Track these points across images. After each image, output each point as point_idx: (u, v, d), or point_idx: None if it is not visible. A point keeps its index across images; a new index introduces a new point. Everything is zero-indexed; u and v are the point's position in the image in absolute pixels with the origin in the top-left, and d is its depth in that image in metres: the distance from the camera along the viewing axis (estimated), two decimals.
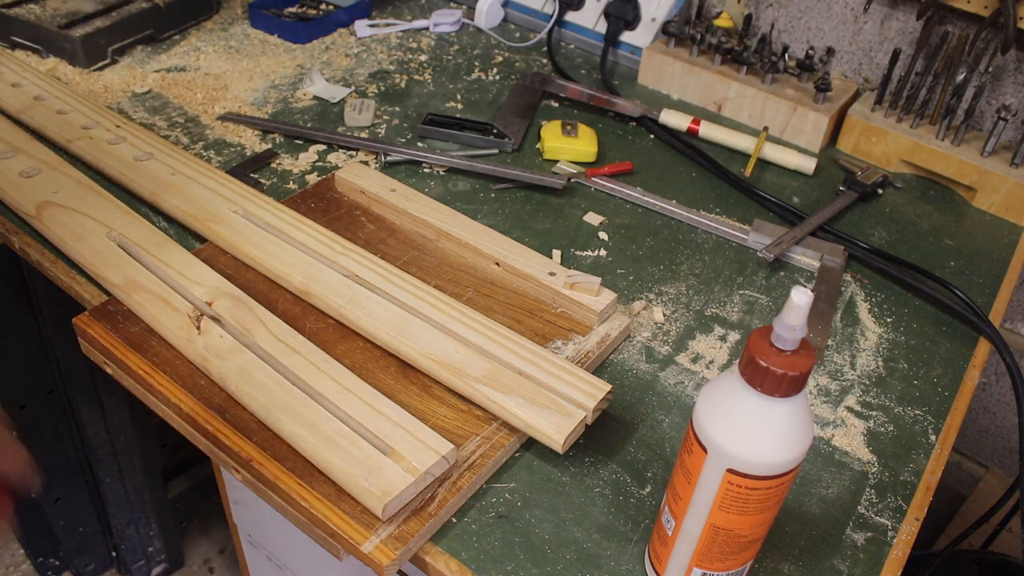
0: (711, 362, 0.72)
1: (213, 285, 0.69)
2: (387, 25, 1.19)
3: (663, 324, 0.75)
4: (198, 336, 0.64)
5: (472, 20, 1.21)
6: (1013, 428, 1.20)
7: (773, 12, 1.13)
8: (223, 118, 0.95)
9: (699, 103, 1.08)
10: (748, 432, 0.45)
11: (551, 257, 0.80)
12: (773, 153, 0.98)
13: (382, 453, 0.56)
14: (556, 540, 0.57)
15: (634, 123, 1.04)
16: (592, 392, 0.62)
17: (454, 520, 0.58)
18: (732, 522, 0.49)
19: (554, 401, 0.61)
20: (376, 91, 1.04)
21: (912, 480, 0.64)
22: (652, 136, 1.02)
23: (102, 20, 1.04)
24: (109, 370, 0.66)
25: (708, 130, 1.00)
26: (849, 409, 0.70)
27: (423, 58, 1.13)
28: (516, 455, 0.63)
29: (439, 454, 0.56)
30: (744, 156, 1.00)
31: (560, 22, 1.19)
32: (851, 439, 0.67)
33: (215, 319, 0.66)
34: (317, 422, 0.58)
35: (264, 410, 0.60)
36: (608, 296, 0.72)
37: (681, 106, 1.07)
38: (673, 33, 1.07)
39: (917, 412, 0.70)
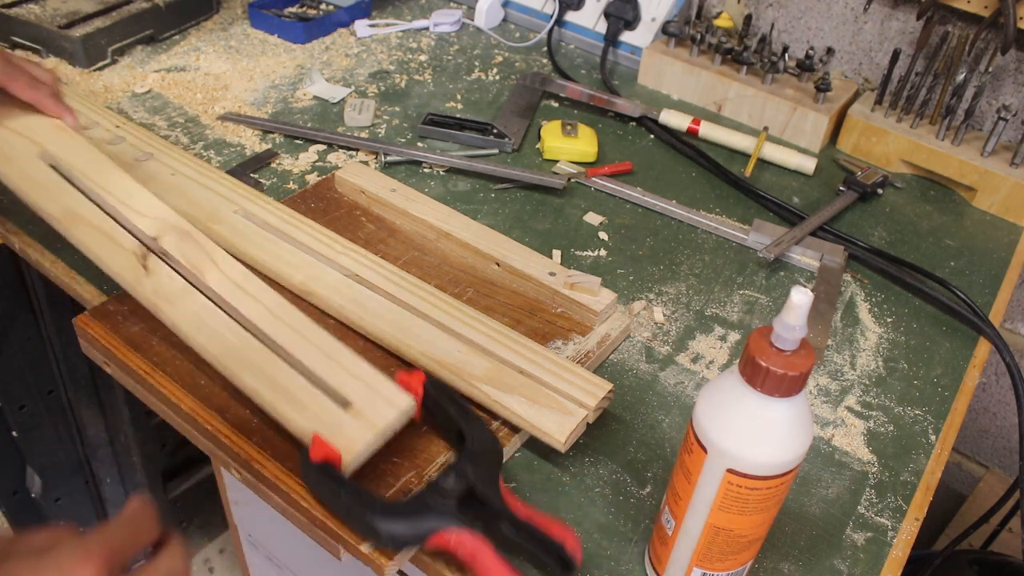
0: (711, 362, 0.72)
1: (159, 216, 0.62)
2: (387, 25, 1.19)
3: (663, 324, 0.75)
4: (146, 277, 0.58)
5: (472, 20, 1.21)
6: (1013, 428, 1.20)
7: (773, 12, 1.13)
8: (223, 118, 0.95)
9: (699, 103, 1.08)
10: (748, 432, 0.45)
11: (551, 257, 0.80)
12: (773, 153, 0.98)
13: (341, 408, 0.55)
14: None
15: (634, 123, 1.04)
16: (593, 391, 0.62)
17: None
18: (732, 522, 0.49)
19: (555, 400, 0.61)
20: (376, 91, 1.04)
21: (912, 480, 0.64)
22: (652, 136, 1.02)
23: (102, 20, 1.04)
24: (109, 370, 0.66)
25: (708, 130, 1.00)
26: (849, 409, 0.70)
27: (423, 58, 1.13)
28: (516, 454, 0.63)
29: (397, 409, 0.55)
30: (744, 156, 1.00)
31: (560, 22, 1.19)
32: (851, 439, 0.67)
33: (162, 257, 0.60)
34: (276, 375, 0.55)
35: (219, 361, 0.56)
36: (608, 296, 0.72)
37: (681, 106, 1.07)
38: (673, 33, 1.07)
39: (917, 412, 0.70)
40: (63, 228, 0.64)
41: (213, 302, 0.59)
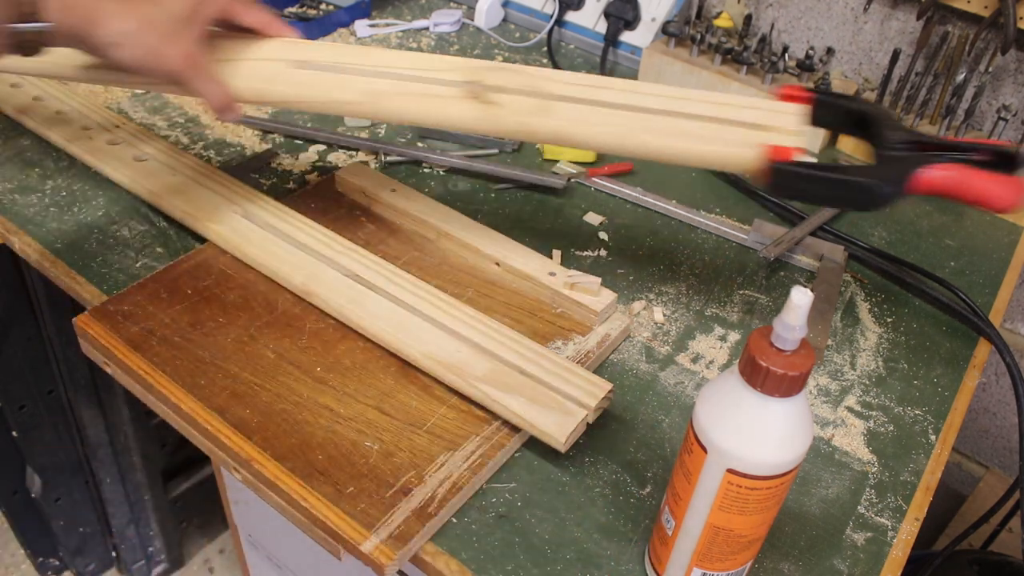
0: (711, 362, 0.72)
1: (456, 67, 0.65)
2: (387, 25, 1.19)
3: (663, 324, 0.75)
4: (497, 108, 0.61)
5: (472, 20, 1.21)
6: (1013, 428, 1.20)
7: (773, 12, 1.13)
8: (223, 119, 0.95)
9: None
10: (748, 432, 0.45)
11: (551, 257, 0.80)
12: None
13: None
14: (556, 540, 0.57)
15: None
16: (593, 391, 0.62)
17: (454, 520, 0.58)
18: (732, 522, 0.49)
19: (555, 400, 0.61)
20: None
21: (912, 480, 0.64)
22: None
23: None
24: (109, 370, 0.66)
25: None
26: (849, 409, 0.70)
27: None
28: (516, 455, 0.63)
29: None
30: None
31: (560, 22, 1.19)
32: (851, 439, 0.67)
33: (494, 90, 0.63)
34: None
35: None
36: (608, 296, 0.72)
37: None
38: (673, 33, 1.07)
39: (917, 412, 0.70)
40: (368, 109, 0.65)
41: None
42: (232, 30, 0.69)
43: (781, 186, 0.59)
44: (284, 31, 0.68)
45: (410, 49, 1.15)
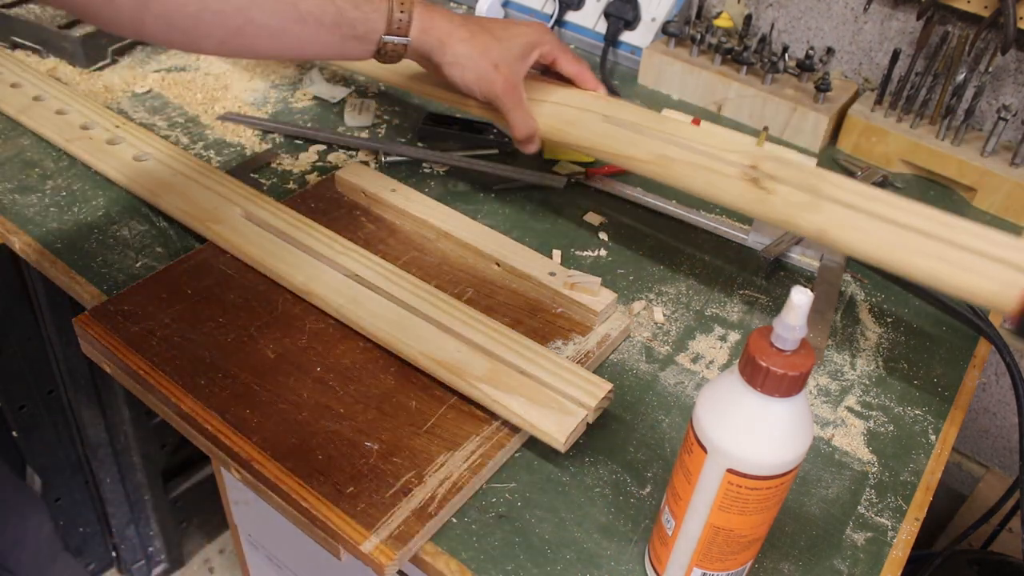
0: (711, 362, 0.72)
1: (745, 150, 0.70)
2: None
3: (663, 324, 0.75)
4: (769, 196, 0.65)
5: None
6: (1013, 428, 1.20)
7: (773, 12, 1.13)
8: (223, 118, 0.95)
9: (699, 103, 1.08)
10: (748, 432, 0.45)
11: (551, 257, 0.80)
12: (773, 153, 0.98)
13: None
14: (556, 540, 0.57)
15: None
16: (593, 391, 0.62)
17: (454, 520, 0.58)
18: (732, 522, 0.49)
19: (555, 400, 0.61)
20: (376, 91, 1.04)
21: (912, 480, 0.64)
22: None
23: None
24: (109, 370, 0.66)
25: None
26: (849, 409, 0.70)
27: None
28: (516, 455, 0.63)
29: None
30: None
31: (560, 22, 1.19)
32: (851, 439, 0.67)
33: (772, 178, 0.67)
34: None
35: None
36: (608, 296, 0.72)
37: (681, 106, 1.07)
38: (673, 33, 1.07)
39: (917, 412, 0.70)
40: (656, 170, 0.71)
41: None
42: (550, 75, 0.80)
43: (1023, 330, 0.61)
44: (594, 85, 0.78)
45: None
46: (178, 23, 0.60)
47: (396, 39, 0.68)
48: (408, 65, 0.76)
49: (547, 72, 0.80)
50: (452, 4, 1.27)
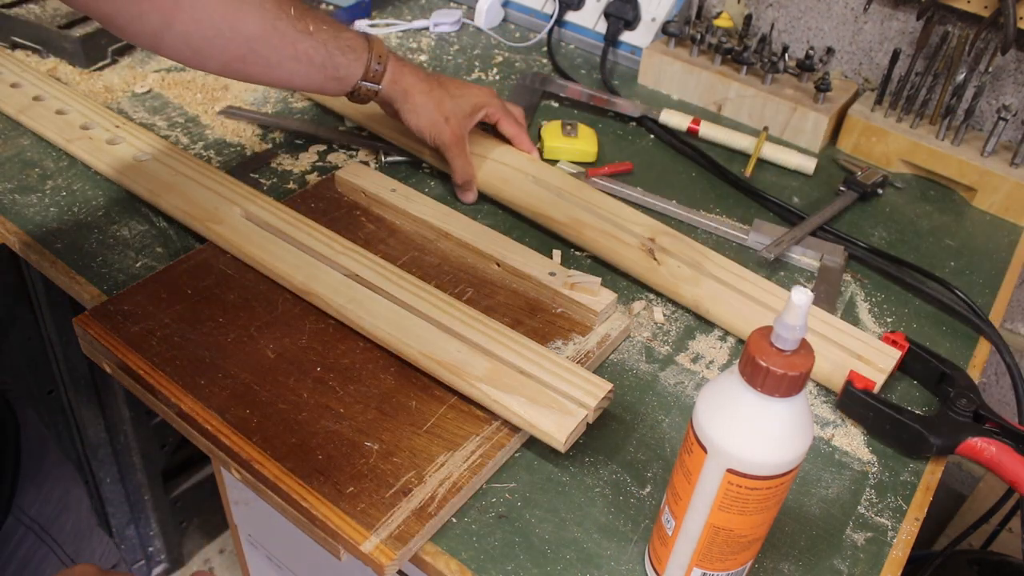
0: (711, 362, 0.72)
1: (646, 224, 0.82)
2: (387, 25, 1.19)
3: (663, 324, 0.75)
4: (659, 267, 0.77)
5: (472, 20, 1.21)
6: None
7: (773, 12, 1.13)
8: (224, 112, 0.95)
9: (699, 103, 1.08)
10: (748, 432, 0.45)
11: (551, 257, 0.80)
12: (773, 153, 0.98)
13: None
14: (556, 540, 0.57)
15: (634, 123, 1.04)
16: (593, 391, 0.62)
17: (454, 520, 0.58)
18: (732, 522, 0.49)
19: (556, 400, 0.61)
20: None
21: (912, 480, 0.64)
22: (652, 136, 1.02)
23: None
24: (109, 370, 0.66)
25: (708, 130, 1.00)
26: None
27: (423, 58, 1.13)
28: (516, 455, 0.63)
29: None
30: (744, 156, 0.99)
31: (560, 22, 1.19)
32: (851, 439, 0.67)
33: (664, 251, 0.79)
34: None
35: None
36: (608, 296, 0.72)
37: (681, 106, 1.07)
38: (673, 33, 1.07)
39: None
40: (570, 232, 0.81)
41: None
42: (493, 133, 0.91)
43: (848, 405, 0.68)
44: (528, 148, 0.90)
45: (410, 49, 1.15)
46: (194, 43, 0.67)
47: (370, 85, 0.78)
48: (372, 107, 0.86)
49: (493, 130, 0.91)
50: (452, 4, 1.27)
